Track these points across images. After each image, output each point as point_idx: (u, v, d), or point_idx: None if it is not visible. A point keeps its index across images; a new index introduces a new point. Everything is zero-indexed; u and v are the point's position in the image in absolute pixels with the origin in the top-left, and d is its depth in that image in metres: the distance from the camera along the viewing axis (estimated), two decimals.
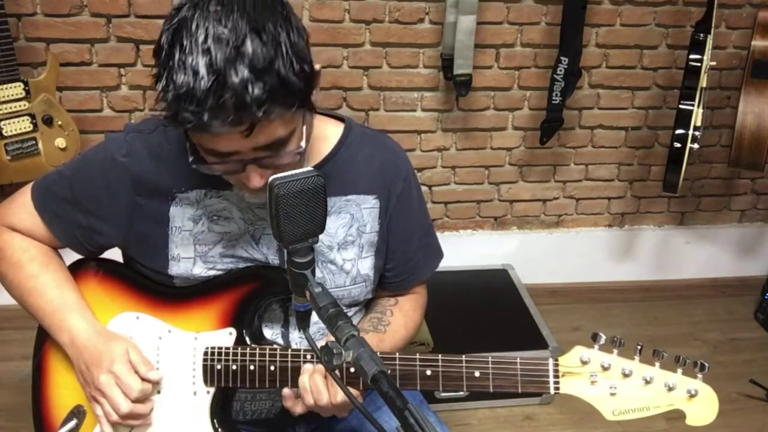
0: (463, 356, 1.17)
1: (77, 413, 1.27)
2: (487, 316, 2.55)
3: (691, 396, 1.11)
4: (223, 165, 1.09)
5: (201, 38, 0.96)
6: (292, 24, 1.02)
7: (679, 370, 1.12)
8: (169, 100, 0.99)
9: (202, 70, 0.96)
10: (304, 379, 1.17)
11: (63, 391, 1.30)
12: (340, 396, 1.14)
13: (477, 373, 1.16)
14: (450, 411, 2.32)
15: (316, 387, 1.16)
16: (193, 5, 1.00)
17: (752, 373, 2.49)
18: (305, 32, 1.06)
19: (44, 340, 1.32)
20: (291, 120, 1.05)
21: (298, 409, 1.20)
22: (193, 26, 0.98)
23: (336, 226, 1.28)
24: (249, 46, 0.96)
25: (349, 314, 1.35)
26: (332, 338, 0.90)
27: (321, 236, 1.24)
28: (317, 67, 1.10)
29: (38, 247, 1.31)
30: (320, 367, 1.17)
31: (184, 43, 0.97)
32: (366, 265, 1.32)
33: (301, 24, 1.06)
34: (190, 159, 1.10)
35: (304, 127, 1.08)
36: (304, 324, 1.00)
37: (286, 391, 1.21)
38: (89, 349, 1.21)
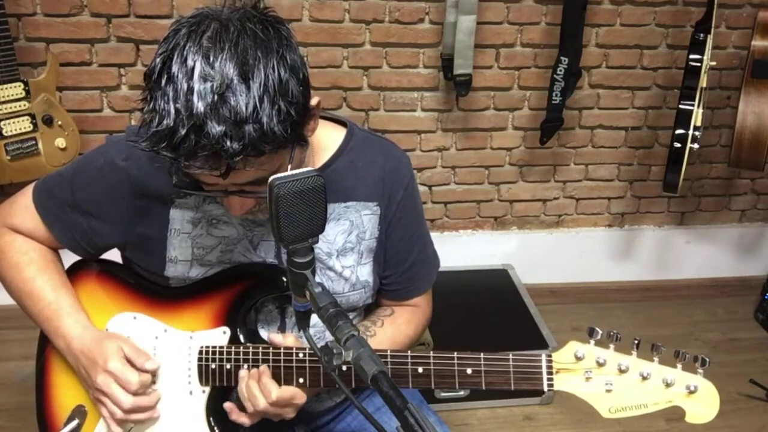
0: (455, 353, 1.16)
1: (79, 413, 1.27)
2: (487, 316, 2.55)
3: (691, 392, 1.08)
4: (205, 192, 1.10)
5: (188, 74, 0.95)
6: (287, 62, 0.99)
7: (679, 366, 1.09)
8: (149, 134, 0.98)
9: (183, 113, 0.94)
10: (240, 388, 1.18)
11: (65, 392, 1.31)
12: (274, 394, 1.15)
13: (469, 371, 1.15)
14: (450, 411, 2.32)
15: (251, 392, 1.16)
16: (189, 32, 0.98)
17: (752, 373, 2.49)
18: (303, 69, 1.03)
19: (47, 341, 1.32)
20: (273, 162, 1.03)
21: (245, 420, 1.20)
22: (183, 58, 0.96)
23: (335, 233, 1.27)
24: (233, 94, 0.94)
25: None
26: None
27: (320, 243, 1.24)
28: (314, 101, 1.07)
29: (38, 249, 1.31)
30: (254, 371, 1.18)
31: (173, 73, 0.95)
32: (365, 272, 1.31)
33: (299, 59, 1.02)
34: (174, 180, 1.10)
35: (290, 165, 1.05)
36: (303, 324, 1.00)
37: (227, 405, 1.22)
38: (85, 354, 1.21)
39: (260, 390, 1.16)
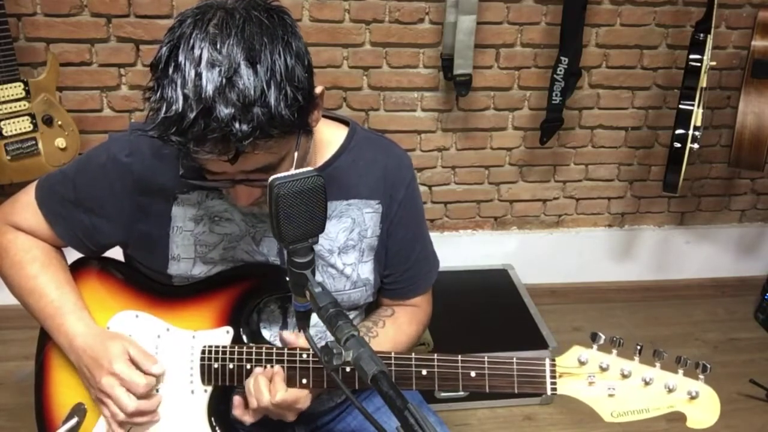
0: (459, 356, 1.16)
1: (78, 411, 1.27)
2: (487, 316, 2.55)
3: (692, 398, 1.10)
4: (212, 182, 1.10)
5: (195, 61, 0.95)
6: (292, 48, 1.00)
7: (680, 371, 1.11)
8: (158, 121, 0.98)
9: (191, 98, 0.95)
10: (248, 382, 1.19)
11: (64, 390, 1.31)
12: (279, 396, 1.15)
13: (473, 374, 1.16)
14: (450, 411, 2.32)
15: (258, 388, 1.17)
16: (194, 21, 0.99)
17: (752, 373, 2.49)
18: (307, 56, 1.04)
19: (47, 338, 1.32)
20: (281, 147, 1.04)
21: (247, 418, 1.21)
22: (190, 46, 0.96)
23: (337, 230, 1.28)
24: (241, 78, 0.95)
25: None
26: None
27: (322, 240, 1.24)
28: (318, 89, 1.08)
29: (41, 246, 1.31)
30: (268, 370, 1.19)
31: (180, 61, 0.96)
32: (366, 270, 1.32)
33: (303, 47, 1.03)
34: (181, 172, 1.10)
35: (296, 153, 1.06)
36: (304, 324, 1.00)
37: (236, 398, 1.22)
38: (87, 352, 1.21)
39: (268, 388, 1.17)
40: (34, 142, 2.25)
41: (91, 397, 1.25)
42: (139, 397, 1.19)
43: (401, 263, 1.36)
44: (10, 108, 2.19)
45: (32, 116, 2.23)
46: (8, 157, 2.22)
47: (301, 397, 1.19)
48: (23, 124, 2.22)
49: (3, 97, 2.17)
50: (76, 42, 2.36)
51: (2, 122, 2.18)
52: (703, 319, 2.89)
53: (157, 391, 1.25)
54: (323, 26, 2.47)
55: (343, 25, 2.48)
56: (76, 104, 2.43)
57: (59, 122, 2.29)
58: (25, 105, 2.21)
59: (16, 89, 2.18)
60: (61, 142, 2.29)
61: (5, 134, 2.20)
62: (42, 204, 1.29)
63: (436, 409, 1.59)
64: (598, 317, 2.81)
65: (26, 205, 1.30)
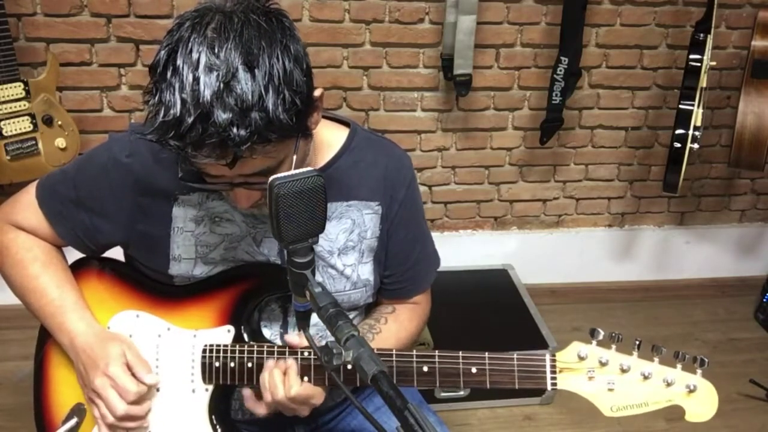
0: (460, 353, 1.17)
1: (78, 411, 1.27)
2: (487, 316, 2.55)
3: (690, 391, 1.11)
4: (211, 185, 1.10)
5: (193, 65, 0.95)
6: (291, 52, 1.00)
7: (678, 366, 1.12)
8: (156, 125, 0.98)
9: (189, 102, 0.95)
10: (263, 376, 1.19)
11: (64, 389, 1.31)
12: (294, 390, 1.15)
13: (474, 369, 1.16)
14: (450, 411, 2.32)
15: (272, 382, 1.17)
16: (192, 25, 0.99)
17: (752, 373, 2.49)
18: (306, 59, 1.04)
19: (46, 338, 1.32)
20: (280, 151, 1.04)
21: (260, 410, 1.20)
22: (188, 50, 0.96)
23: (337, 231, 1.28)
24: (238, 82, 0.95)
25: None
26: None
27: (322, 241, 1.25)
28: (318, 92, 1.08)
29: (41, 246, 1.31)
30: (281, 362, 1.18)
31: (178, 65, 0.96)
32: (366, 271, 1.32)
33: (302, 50, 1.03)
34: (180, 175, 1.10)
35: (295, 156, 1.06)
36: (304, 324, 1.01)
37: (246, 391, 1.22)
38: (87, 351, 1.22)
39: (283, 382, 1.17)
40: (34, 142, 2.25)
41: (84, 396, 1.25)
42: (129, 403, 1.19)
43: (401, 264, 1.36)
44: (10, 108, 2.19)
45: (32, 116, 2.23)
46: (8, 157, 2.22)
47: (317, 393, 1.19)
48: (23, 124, 2.22)
49: (3, 97, 2.17)
50: (76, 42, 2.36)
51: (2, 122, 2.18)
52: (703, 319, 2.90)
53: (158, 390, 1.25)
54: (323, 26, 2.47)
55: (343, 25, 2.48)
56: (76, 104, 2.43)
57: (59, 122, 2.29)
58: (25, 105, 2.21)
59: (16, 89, 2.18)
60: (61, 142, 2.29)
61: (5, 134, 2.20)
62: (43, 203, 1.29)
63: (436, 409, 1.59)
64: (598, 317, 2.82)
65: (27, 205, 1.30)
